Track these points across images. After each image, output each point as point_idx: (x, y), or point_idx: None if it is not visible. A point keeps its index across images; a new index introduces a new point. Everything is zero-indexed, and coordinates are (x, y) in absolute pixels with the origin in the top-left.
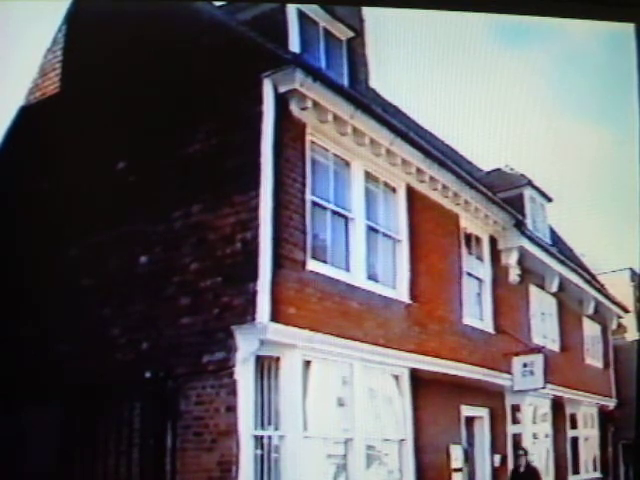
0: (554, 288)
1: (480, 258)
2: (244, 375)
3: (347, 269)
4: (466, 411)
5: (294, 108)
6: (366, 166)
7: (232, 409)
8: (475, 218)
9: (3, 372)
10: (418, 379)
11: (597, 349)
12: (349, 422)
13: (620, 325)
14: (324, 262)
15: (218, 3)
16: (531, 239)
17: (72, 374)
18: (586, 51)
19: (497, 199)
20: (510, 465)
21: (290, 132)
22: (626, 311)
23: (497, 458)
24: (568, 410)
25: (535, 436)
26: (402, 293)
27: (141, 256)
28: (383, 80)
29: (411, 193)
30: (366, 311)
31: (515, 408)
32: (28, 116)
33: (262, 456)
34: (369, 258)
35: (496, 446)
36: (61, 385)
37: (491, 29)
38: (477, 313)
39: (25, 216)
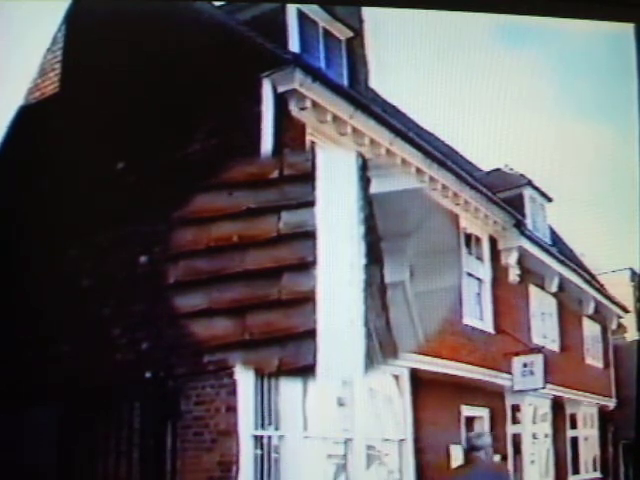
0: (554, 288)
1: (480, 258)
2: (244, 375)
3: None
4: (466, 411)
5: (293, 108)
6: None
7: (232, 409)
8: (475, 218)
9: (3, 372)
10: (418, 379)
11: (597, 349)
12: (349, 422)
13: (620, 325)
14: None
15: (218, 3)
16: (531, 239)
17: (72, 374)
18: (586, 51)
19: (497, 199)
20: (510, 465)
21: (290, 132)
22: (626, 311)
23: (497, 458)
24: (568, 410)
25: (535, 436)
26: None
27: (141, 256)
28: (383, 80)
29: None
30: None
31: (515, 408)
32: (28, 116)
33: (262, 456)
34: None
35: (496, 446)
36: (61, 385)
37: (491, 29)
38: (477, 313)
39: (25, 216)
